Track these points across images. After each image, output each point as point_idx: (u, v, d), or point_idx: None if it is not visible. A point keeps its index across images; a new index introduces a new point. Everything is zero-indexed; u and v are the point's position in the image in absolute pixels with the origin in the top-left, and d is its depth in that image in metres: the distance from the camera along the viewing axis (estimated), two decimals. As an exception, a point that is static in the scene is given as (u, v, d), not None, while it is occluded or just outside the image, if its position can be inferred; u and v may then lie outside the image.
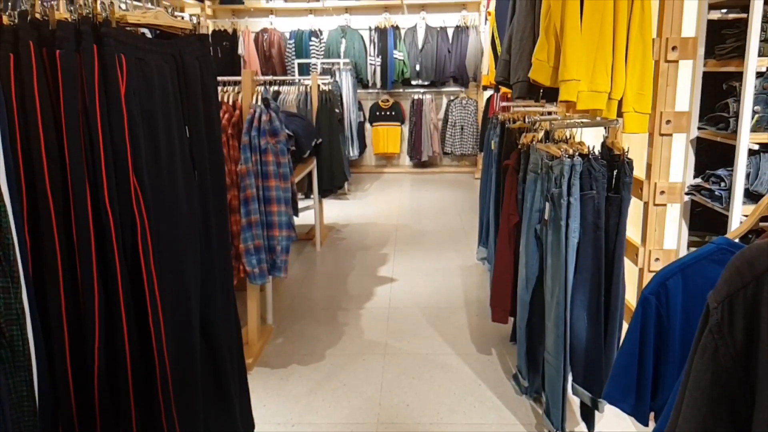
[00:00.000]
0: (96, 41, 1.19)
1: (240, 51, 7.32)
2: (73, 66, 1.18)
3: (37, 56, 1.17)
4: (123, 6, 1.56)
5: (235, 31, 7.39)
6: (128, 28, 1.34)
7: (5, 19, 1.21)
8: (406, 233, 5.05)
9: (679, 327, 1.09)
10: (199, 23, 1.55)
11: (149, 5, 1.65)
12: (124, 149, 1.21)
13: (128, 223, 1.23)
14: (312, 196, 4.69)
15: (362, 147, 7.28)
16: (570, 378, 2.17)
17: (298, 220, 3.18)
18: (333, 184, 4.87)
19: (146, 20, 1.37)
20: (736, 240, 1.07)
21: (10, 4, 1.29)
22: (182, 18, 1.60)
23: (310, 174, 4.45)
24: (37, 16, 1.22)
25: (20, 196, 1.14)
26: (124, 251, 1.24)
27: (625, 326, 2.18)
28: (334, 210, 5.80)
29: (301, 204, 4.67)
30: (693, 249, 2.37)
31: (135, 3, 1.50)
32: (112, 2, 1.22)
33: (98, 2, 1.21)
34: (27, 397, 1.09)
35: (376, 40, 7.28)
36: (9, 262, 1.03)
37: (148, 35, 1.61)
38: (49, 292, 1.18)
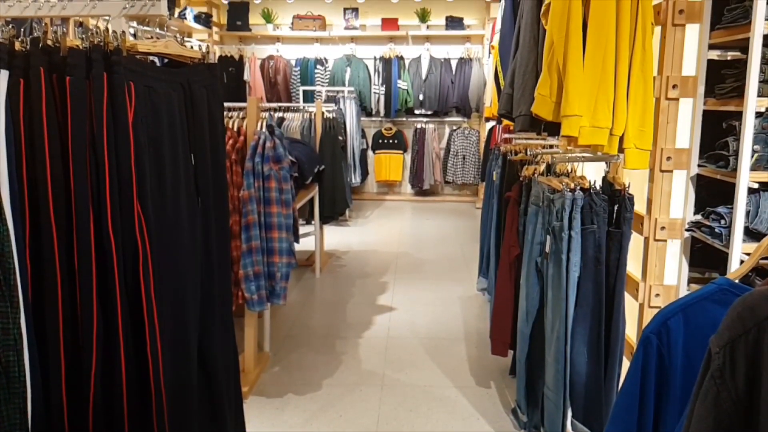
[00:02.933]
0: (106, 69, 1.21)
1: (246, 77, 7.41)
2: (82, 93, 1.19)
3: (47, 82, 1.19)
4: (131, 30, 1.58)
5: (241, 57, 7.49)
6: (138, 56, 1.37)
7: (18, 45, 1.23)
8: (407, 261, 5.04)
9: (680, 367, 1.08)
10: (208, 52, 1.58)
11: (158, 30, 1.68)
12: (129, 176, 1.21)
13: (130, 250, 1.24)
14: (313, 222, 4.70)
15: (364, 174, 7.32)
16: (569, 414, 2.14)
17: (298, 246, 3.18)
18: (334, 211, 4.89)
19: (156, 49, 1.39)
20: (737, 280, 1.07)
21: (23, 30, 1.31)
22: (191, 47, 1.62)
23: (311, 200, 4.47)
24: (49, 42, 1.24)
25: (23, 220, 1.15)
26: (124, 278, 1.24)
27: (626, 362, 2.17)
28: (335, 236, 5.80)
29: (301, 230, 4.67)
30: (693, 285, 2.38)
31: (145, 28, 1.52)
32: (123, 32, 1.24)
33: (110, 31, 1.23)
34: (20, 425, 1.07)
35: (380, 70, 7.37)
36: (9, 287, 1.03)
37: (157, 62, 1.64)
38: (47, 318, 1.17)
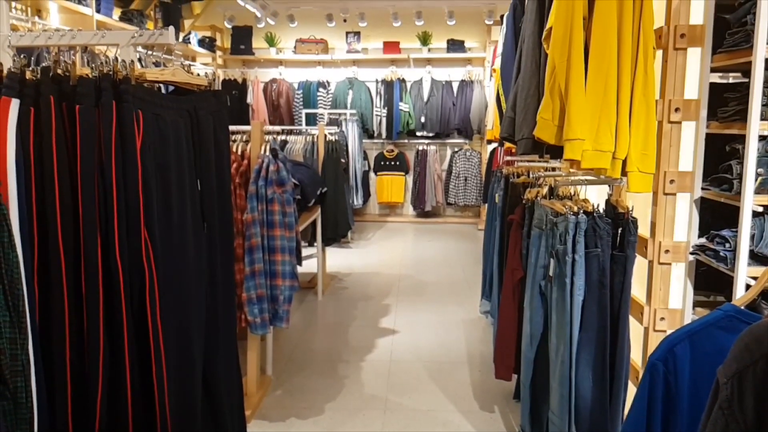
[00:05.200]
0: (115, 98, 1.23)
1: (249, 100, 7.47)
2: (91, 121, 1.21)
3: (57, 111, 1.21)
4: (137, 55, 1.60)
5: (244, 80, 7.56)
6: (146, 84, 1.38)
7: (28, 74, 1.25)
8: (409, 284, 5.02)
9: (687, 394, 1.08)
10: (214, 80, 1.60)
11: (163, 55, 1.70)
12: (137, 203, 1.22)
13: (137, 276, 1.24)
14: (315, 244, 4.70)
15: (366, 196, 7.34)
16: (575, 439, 2.12)
17: (300, 268, 3.18)
18: (337, 233, 4.89)
19: (164, 77, 1.41)
20: (743, 306, 1.07)
21: (33, 59, 1.33)
22: (197, 74, 1.64)
23: (314, 222, 4.47)
24: (59, 72, 1.26)
25: (32, 247, 1.15)
26: (131, 303, 1.25)
27: (631, 386, 2.15)
28: (337, 258, 5.79)
29: (304, 252, 4.67)
30: (699, 309, 2.36)
31: (153, 53, 1.54)
32: (132, 60, 1.26)
33: (119, 60, 1.25)
34: (26, 452, 1.07)
35: (382, 92, 7.43)
36: (18, 313, 1.04)
37: (163, 89, 1.66)
38: (54, 344, 1.17)
